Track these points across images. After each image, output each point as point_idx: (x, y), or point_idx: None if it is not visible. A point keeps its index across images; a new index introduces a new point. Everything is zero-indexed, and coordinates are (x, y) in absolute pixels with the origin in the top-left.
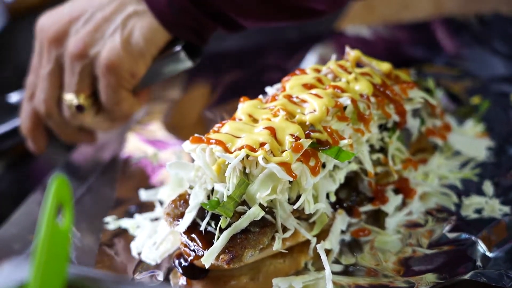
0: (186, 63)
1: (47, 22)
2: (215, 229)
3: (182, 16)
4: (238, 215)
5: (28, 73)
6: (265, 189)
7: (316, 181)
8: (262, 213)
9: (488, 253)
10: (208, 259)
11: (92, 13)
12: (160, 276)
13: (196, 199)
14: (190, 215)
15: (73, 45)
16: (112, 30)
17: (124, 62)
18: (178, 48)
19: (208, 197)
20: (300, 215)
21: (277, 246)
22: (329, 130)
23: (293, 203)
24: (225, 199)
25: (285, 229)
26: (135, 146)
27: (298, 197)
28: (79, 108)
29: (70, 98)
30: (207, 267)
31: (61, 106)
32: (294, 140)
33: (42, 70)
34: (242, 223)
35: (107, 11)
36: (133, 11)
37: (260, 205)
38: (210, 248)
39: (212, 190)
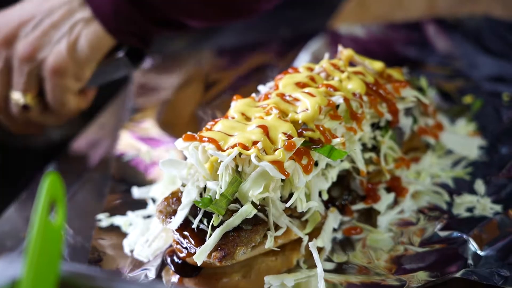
0: (129, 68)
1: None
2: (208, 226)
3: (127, 24)
4: (230, 213)
5: None
6: (258, 187)
7: (309, 180)
8: (255, 211)
9: (479, 252)
10: (200, 256)
11: (41, 18)
12: (152, 274)
13: (189, 196)
14: (182, 213)
15: (22, 48)
16: (59, 36)
17: (69, 67)
18: (121, 54)
19: (201, 195)
20: (292, 213)
21: (269, 244)
22: (321, 128)
23: (286, 201)
24: (217, 197)
25: (277, 227)
26: (128, 143)
27: (291, 195)
28: (25, 107)
29: (17, 97)
30: (199, 264)
31: (8, 102)
32: (286, 138)
33: None
34: (234, 221)
35: (55, 17)
36: (80, 18)
37: (253, 203)
38: (202, 246)
39: (205, 188)
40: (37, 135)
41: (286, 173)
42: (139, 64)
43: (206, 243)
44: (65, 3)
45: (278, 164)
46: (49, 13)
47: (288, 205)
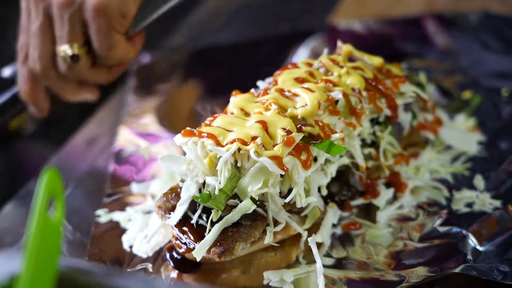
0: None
1: None
2: (207, 222)
3: None
4: (229, 208)
5: (18, 36)
6: (257, 183)
7: (308, 175)
8: (254, 207)
9: (478, 247)
10: (199, 252)
11: None
12: (151, 269)
13: (188, 192)
14: (181, 208)
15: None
16: None
17: (112, 2)
18: None
19: (200, 190)
20: (291, 208)
21: (268, 239)
22: (320, 124)
23: (285, 197)
24: (216, 192)
25: (276, 223)
26: (127, 139)
27: (290, 190)
28: (74, 58)
29: (64, 49)
30: (198, 260)
31: (57, 61)
32: (285, 134)
33: (32, 26)
34: (233, 216)
35: None
36: None
37: (252, 198)
38: (201, 241)
39: (204, 184)
40: (90, 99)
41: (285, 168)
42: None
43: (205, 238)
44: None
45: (277, 159)
46: None
47: (287, 200)
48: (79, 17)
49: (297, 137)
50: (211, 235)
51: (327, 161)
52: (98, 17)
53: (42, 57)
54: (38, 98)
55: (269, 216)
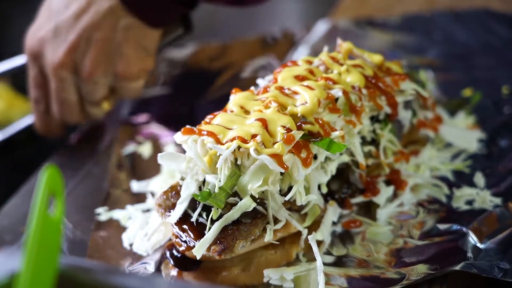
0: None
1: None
2: (207, 220)
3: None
4: (229, 206)
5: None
6: (257, 181)
7: (308, 173)
8: (254, 205)
9: (479, 244)
10: (199, 250)
11: (88, 36)
12: (152, 267)
13: (188, 190)
14: (181, 206)
15: (88, 69)
16: (116, 47)
17: (139, 67)
18: (178, 33)
19: (200, 188)
20: (291, 206)
21: (268, 237)
22: (320, 121)
23: (285, 195)
24: (216, 190)
25: (276, 221)
26: (127, 137)
27: (290, 188)
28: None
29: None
30: (198, 258)
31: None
32: (285, 131)
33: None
34: (233, 214)
35: (104, 31)
36: (125, 24)
37: (252, 196)
38: (202, 239)
39: (204, 181)
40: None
41: (285, 166)
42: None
43: (205, 236)
44: (106, 14)
45: (277, 157)
46: (95, 27)
47: (287, 198)
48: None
49: (297, 135)
50: (211, 233)
51: (327, 159)
52: (132, 80)
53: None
54: (53, 131)
55: (269, 214)
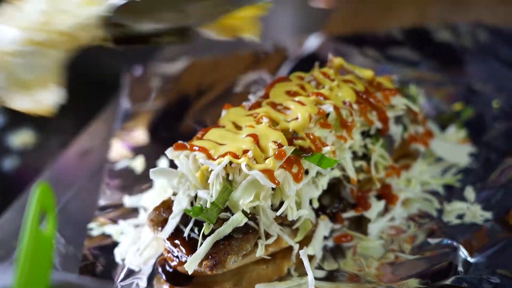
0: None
1: None
2: (198, 235)
3: None
4: (221, 221)
5: None
6: (248, 196)
7: (299, 188)
8: (245, 220)
9: (469, 259)
10: (191, 265)
11: None
12: (144, 282)
13: (179, 205)
14: (173, 222)
15: None
16: None
17: None
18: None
19: (192, 204)
20: (283, 221)
21: (260, 252)
22: (311, 137)
23: (276, 210)
24: (208, 205)
25: (268, 236)
26: (119, 152)
27: (281, 203)
28: None
29: None
30: (190, 273)
31: None
32: (277, 147)
33: None
34: (225, 229)
35: None
36: None
37: (243, 211)
38: (193, 254)
39: (196, 197)
40: None
41: (277, 181)
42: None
43: (197, 251)
44: None
45: (268, 172)
46: None
47: (278, 213)
48: None
49: (288, 150)
50: (202, 248)
51: (318, 173)
52: None
53: None
54: None
55: (261, 229)
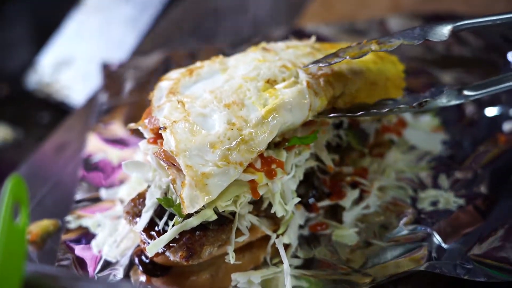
0: None
1: None
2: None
3: None
4: (194, 213)
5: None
6: (226, 199)
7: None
8: (215, 217)
9: (443, 245)
10: (152, 249)
11: None
12: (121, 273)
13: (152, 198)
14: (147, 215)
15: None
16: None
17: None
18: None
19: (166, 195)
20: (258, 213)
21: (231, 256)
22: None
23: (254, 203)
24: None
25: (239, 233)
26: (95, 145)
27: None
28: None
29: None
30: (150, 256)
31: None
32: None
33: None
34: (193, 221)
35: None
36: None
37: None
38: (156, 240)
39: (168, 188)
40: None
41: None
42: None
43: (160, 237)
44: None
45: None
46: None
47: (272, 211)
48: None
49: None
50: (167, 235)
51: (295, 165)
52: None
53: None
54: None
55: (235, 222)
